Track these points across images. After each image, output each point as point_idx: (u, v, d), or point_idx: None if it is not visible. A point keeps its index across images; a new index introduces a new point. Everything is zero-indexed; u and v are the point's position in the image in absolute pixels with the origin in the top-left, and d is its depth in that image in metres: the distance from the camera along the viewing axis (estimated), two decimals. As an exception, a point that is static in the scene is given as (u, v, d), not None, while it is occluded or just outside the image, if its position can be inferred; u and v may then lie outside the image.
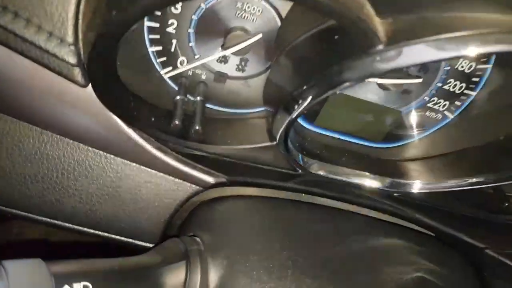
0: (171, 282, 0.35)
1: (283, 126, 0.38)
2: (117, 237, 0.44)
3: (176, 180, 0.43)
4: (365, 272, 0.39)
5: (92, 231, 0.43)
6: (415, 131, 0.49)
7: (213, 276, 0.37)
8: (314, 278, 0.37)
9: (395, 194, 0.47)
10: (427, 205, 0.48)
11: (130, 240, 0.44)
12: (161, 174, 0.43)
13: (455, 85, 0.45)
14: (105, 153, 0.41)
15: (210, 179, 0.43)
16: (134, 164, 0.42)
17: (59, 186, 0.41)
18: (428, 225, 0.49)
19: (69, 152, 0.40)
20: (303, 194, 0.46)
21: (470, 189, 0.45)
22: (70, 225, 0.43)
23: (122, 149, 0.40)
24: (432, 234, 0.51)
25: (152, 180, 0.43)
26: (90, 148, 0.40)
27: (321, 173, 0.44)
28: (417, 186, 0.46)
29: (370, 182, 0.46)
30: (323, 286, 0.36)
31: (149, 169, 0.42)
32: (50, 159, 0.40)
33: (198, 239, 0.40)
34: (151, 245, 0.45)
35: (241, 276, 0.36)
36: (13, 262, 0.28)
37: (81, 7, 0.30)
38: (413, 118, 0.48)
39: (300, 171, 0.44)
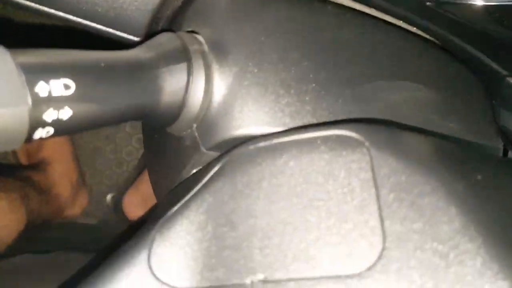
0: (170, 88, 0.29)
1: None
2: (93, 24, 0.35)
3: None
4: (387, 91, 0.34)
5: (61, 14, 0.34)
6: None
7: (219, 84, 0.30)
8: (337, 95, 0.31)
9: (428, 3, 0.40)
10: (459, 21, 0.42)
11: (109, 30, 0.36)
12: None
13: None
14: None
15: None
16: None
17: None
18: (453, 43, 0.44)
19: None
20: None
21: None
22: (36, 5, 0.33)
23: None
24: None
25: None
26: None
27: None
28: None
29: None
30: (345, 103, 0.31)
31: None
32: None
33: (199, 37, 0.32)
34: (135, 39, 0.37)
35: (253, 87, 0.30)
36: None
37: None
38: None
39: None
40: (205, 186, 0.28)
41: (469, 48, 0.44)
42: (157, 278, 0.25)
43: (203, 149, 0.32)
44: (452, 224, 0.21)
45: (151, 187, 0.41)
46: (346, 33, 0.34)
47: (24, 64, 0.22)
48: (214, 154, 0.32)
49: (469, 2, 0.37)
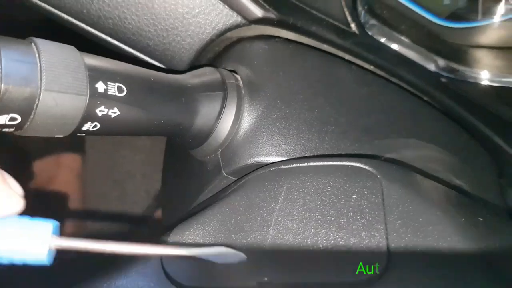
0: (205, 112, 0.32)
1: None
2: (141, 55, 0.40)
3: (219, 4, 0.38)
4: (401, 145, 0.37)
5: (116, 42, 0.39)
6: (484, 16, 0.44)
7: (248, 115, 0.34)
8: (354, 140, 0.34)
9: (442, 79, 0.44)
10: (469, 98, 0.45)
11: (155, 63, 0.40)
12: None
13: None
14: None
15: (258, 11, 0.37)
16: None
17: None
18: (465, 120, 0.47)
19: None
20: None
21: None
22: (95, 31, 0.38)
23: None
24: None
25: (191, -1, 0.37)
26: None
27: (377, 36, 0.40)
28: (472, 75, 0.42)
29: (423, 60, 0.42)
30: (361, 149, 0.34)
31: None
32: None
33: (236, 74, 0.36)
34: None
35: (279, 121, 0.33)
36: (44, 41, 0.24)
37: None
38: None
39: (354, 29, 0.39)
40: (222, 199, 0.30)
41: (478, 124, 0.48)
42: (168, 277, 0.26)
43: (223, 173, 0.34)
44: (455, 251, 0.23)
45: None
46: (367, 90, 0.38)
47: (90, 65, 0.26)
48: (232, 178, 0.34)
49: (475, 81, 0.41)
